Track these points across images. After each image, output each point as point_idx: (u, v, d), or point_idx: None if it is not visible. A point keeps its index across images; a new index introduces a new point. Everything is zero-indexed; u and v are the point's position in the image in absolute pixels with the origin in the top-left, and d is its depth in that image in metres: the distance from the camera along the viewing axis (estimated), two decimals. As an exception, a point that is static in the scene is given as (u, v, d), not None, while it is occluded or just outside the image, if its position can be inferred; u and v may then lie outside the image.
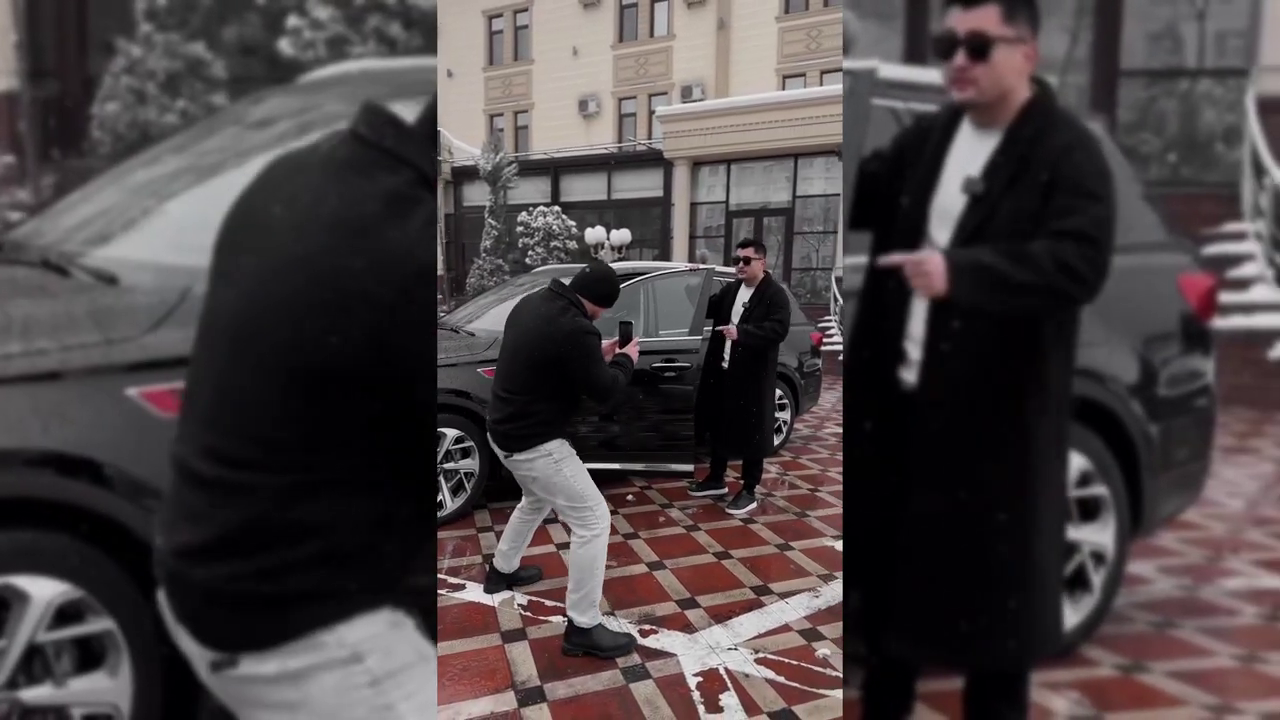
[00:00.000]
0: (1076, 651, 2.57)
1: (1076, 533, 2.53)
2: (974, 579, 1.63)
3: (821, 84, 17.72)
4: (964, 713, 1.84)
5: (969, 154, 1.62)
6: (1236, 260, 7.88)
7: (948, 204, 1.61)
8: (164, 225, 2.28)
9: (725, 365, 4.54)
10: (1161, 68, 9.13)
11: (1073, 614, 2.53)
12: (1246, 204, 8.27)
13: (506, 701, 2.39)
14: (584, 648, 2.69)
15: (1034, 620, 1.65)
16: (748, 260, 4.42)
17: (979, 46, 1.52)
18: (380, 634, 1.03)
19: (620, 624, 2.92)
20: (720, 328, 4.44)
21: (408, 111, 2.28)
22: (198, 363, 1.07)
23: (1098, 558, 2.57)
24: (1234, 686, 2.42)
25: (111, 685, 1.78)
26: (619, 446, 4.60)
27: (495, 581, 3.28)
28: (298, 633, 0.99)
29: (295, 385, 0.93)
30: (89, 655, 1.78)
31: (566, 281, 2.89)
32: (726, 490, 4.82)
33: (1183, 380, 2.77)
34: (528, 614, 3.02)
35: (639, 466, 4.71)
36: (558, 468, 2.75)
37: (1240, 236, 8.11)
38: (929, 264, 1.37)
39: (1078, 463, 2.49)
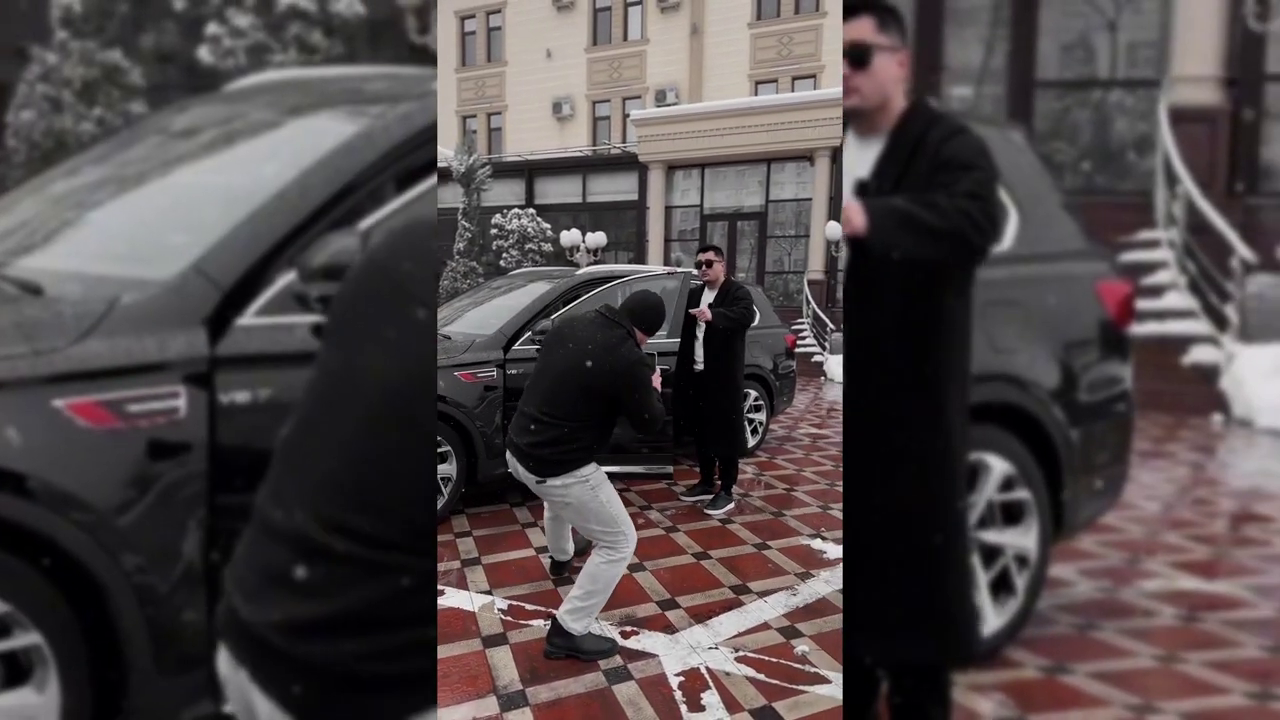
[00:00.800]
0: (1000, 653, 2.50)
1: (1000, 537, 2.46)
2: (918, 572, 1.59)
3: (793, 89, 17.66)
4: (887, 713, 1.77)
5: (856, 161, 1.67)
6: (1150, 268, 7.90)
7: (844, 207, 1.61)
8: (90, 235, 2.10)
9: (698, 367, 4.49)
10: (1075, 78, 9.03)
11: (997, 616, 2.46)
12: (1159, 212, 8.28)
13: (488, 706, 2.27)
14: (567, 650, 2.57)
15: (967, 608, 1.62)
16: (709, 264, 4.47)
17: (859, 55, 1.57)
18: None
19: (602, 627, 2.80)
20: (693, 310, 4.40)
21: (339, 122, 2.17)
22: (314, 428, 0.95)
23: (1020, 561, 2.50)
24: (1154, 686, 2.36)
25: (39, 700, 1.64)
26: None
27: (558, 571, 3.32)
28: (404, 714, 0.90)
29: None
30: (16, 670, 1.64)
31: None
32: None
33: (1102, 385, 2.71)
34: (508, 619, 2.89)
35: (618, 469, 4.57)
36: (594, 493, 2.61)
37: (1154, 244, 8.13)
38: (847, 209, 1.40)
39: (1001, 467, 2.42)
